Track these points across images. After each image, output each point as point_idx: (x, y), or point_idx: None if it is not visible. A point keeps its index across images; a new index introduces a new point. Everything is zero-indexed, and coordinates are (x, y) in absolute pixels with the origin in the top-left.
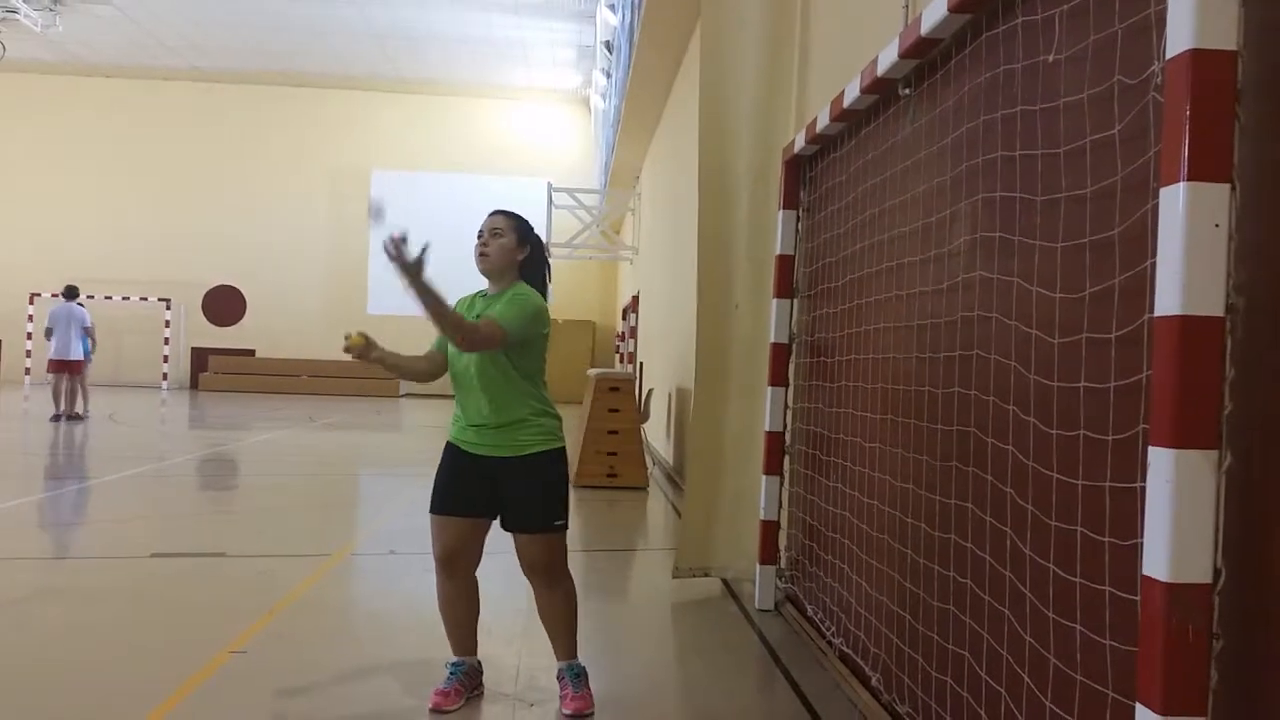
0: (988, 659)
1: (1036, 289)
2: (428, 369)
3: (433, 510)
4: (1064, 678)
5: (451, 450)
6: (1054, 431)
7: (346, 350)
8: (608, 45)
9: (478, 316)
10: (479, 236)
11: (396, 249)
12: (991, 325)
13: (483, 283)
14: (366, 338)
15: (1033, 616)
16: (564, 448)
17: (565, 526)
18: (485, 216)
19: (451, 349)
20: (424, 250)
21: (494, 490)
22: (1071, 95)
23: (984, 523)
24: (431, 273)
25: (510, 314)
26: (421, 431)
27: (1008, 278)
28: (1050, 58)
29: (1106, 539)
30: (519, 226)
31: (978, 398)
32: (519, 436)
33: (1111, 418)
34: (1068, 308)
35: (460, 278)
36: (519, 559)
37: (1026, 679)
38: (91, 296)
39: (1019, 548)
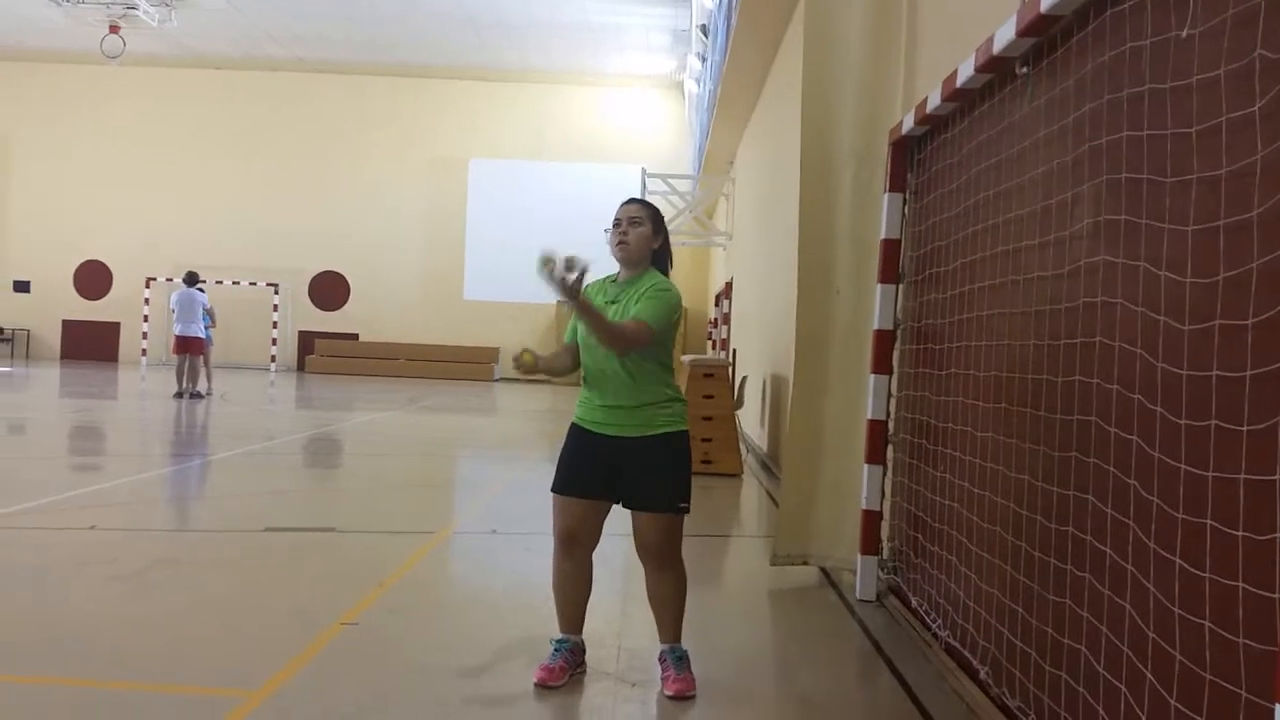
0: (1106, 654)
1: (1165, 274)
2: (571, 362)
3: (556, 490)
4: (1191, 676)
5: (577, 432)
6: (1183, 421)
7: (517, 367)
8: (703, 29)
9: (610, 303)
10: (616, 225)
11: (559, 276)
12: (1116, 311)
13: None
14: (534, 355)
15: (1157, 612)
16: (688, 431)
17: (688, 509)
18: (620, 205)
19: (585, 336)
20: (581, 273)
21: (618, 473)
22: (1206, 72)
23: (1105, 515)
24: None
25: (657, 312)
26: (518, 415)
27: (1134, 262)
28: (1184, 33)
29: (1240, 533)
30: (654, 215)
31: (1100, 386)
32: (652, 417)
33: (1247, 407)
34: (1199, 293)
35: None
36: (636, 539)
37: (1149, 676)
38: (204, 281)
39: (1142, 541)
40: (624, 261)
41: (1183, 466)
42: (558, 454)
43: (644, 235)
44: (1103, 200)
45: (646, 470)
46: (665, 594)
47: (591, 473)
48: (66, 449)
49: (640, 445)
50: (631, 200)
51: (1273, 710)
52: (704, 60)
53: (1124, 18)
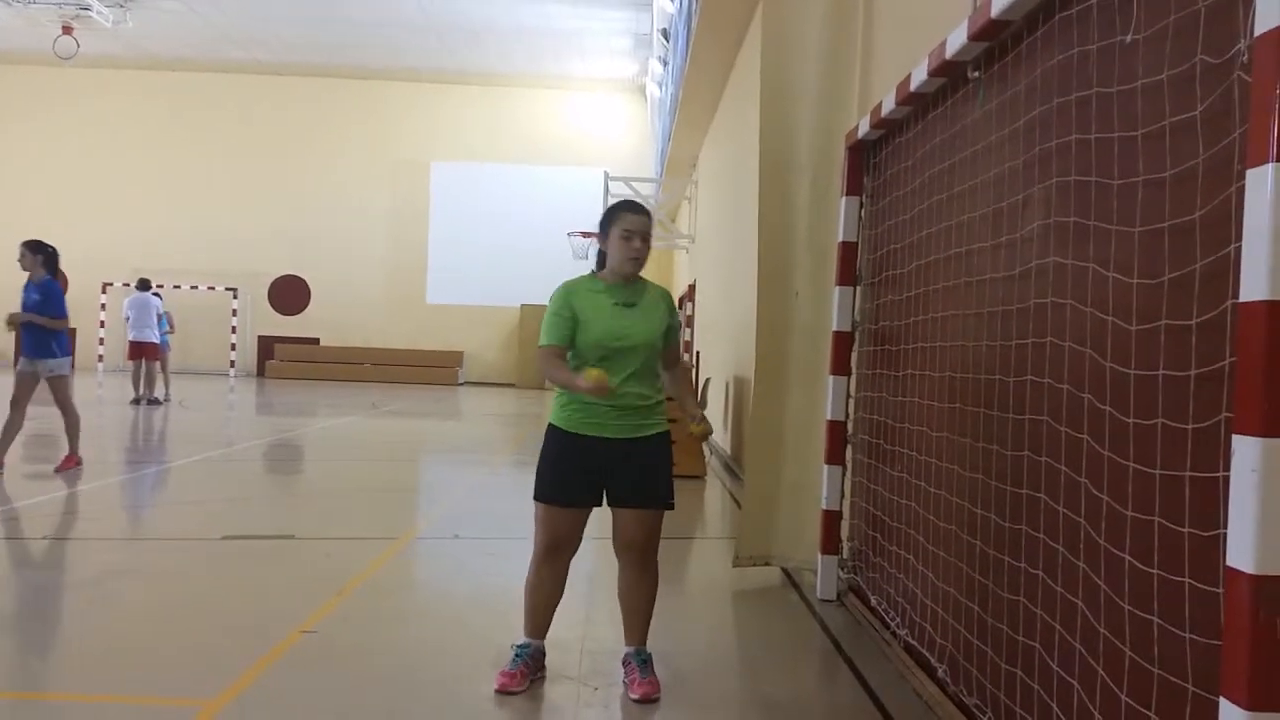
0: (1060, 651)
1: (1113, 275)
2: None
3: (547, 501)
4: (1141, 671)
5: (566, 437)
6: (1131, 420)
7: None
8: (665, 33)
9: (625, 305)
10: (631, 237)
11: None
12: (1066, 312)
13: (538, 266)
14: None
15: (1107, 608)
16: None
17: (673, 506)
18: (630, 215)
19: (610, 336)
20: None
21: (608, 475)
22: (1150, 76)
23: (1057, 513)
24: (501, 270)
25: (679, 326)
26: (480, 419)
27: (1083, 263)
28: (1128, 38)
29: (1186, 530)
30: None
31: (1051, 386)
32: (654, 416)
33: (1192, 406)
34: (1145, 294)
35: (522, 269)
36: (620, 538)
37: (1101, 672)
38: (162, 285)
39: (1093, 538)
40: (631, 273)
41: (1131, 465)
42: (519, 458)
43: (649, 249)
44: (1052, 202)
45: (644, 468)
46: (639, 594)
47: (584, 480)
48: (20, 456)
49: (638, 444)
50: (643, 211)
51: (1217, 703)
52: (665, 64)
53: (1071, 23)
